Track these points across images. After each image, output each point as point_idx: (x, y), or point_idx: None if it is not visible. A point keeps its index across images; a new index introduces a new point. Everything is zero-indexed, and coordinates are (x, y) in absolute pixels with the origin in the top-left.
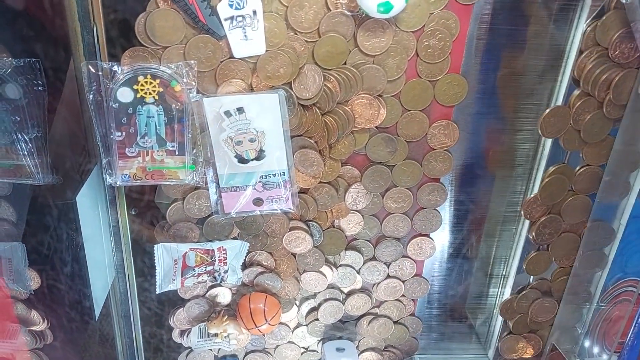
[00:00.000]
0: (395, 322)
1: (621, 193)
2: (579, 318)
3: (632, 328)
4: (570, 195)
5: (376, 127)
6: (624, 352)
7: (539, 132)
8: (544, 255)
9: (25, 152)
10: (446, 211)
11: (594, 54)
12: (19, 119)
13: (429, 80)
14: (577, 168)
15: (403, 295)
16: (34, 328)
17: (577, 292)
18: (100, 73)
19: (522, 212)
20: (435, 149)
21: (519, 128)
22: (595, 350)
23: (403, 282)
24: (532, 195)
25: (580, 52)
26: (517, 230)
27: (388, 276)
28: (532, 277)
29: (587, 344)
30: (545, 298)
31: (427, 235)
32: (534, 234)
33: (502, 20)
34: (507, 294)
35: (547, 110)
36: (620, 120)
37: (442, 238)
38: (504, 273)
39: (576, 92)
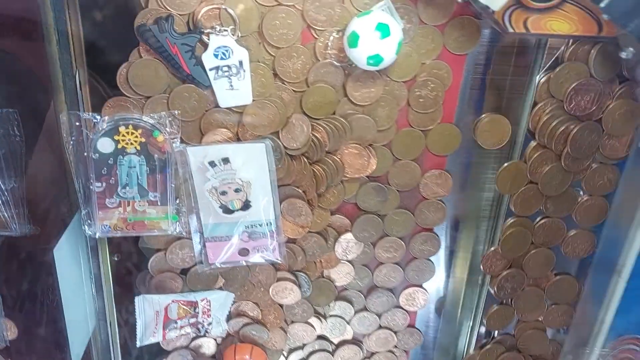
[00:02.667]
0: None
1: (622, 248)
2: None
3: None
4: (532, 249)
5: (367, 176)
6: None
7: (497, 188)
8: (506, 310)
9: (2, 202)
10: (440, 261)
11: (548, 106)
12: None
13: (421, 130)
14: (537, 220)
15: (395, 347)
16: None
17: (577, 346)
18: (79, 123)
19: (482, 266)
20: (428, 199)
21: (485, 178)
22: None
23: (395, 333)
24: (492, 249)
25: (535, 104)
26: (483, 282)
27: (380, 327)
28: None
29: None
30: (510, 353)
31: (420, 286)
32: (495, 288)
33: (495, 70)
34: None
35: (504, 166)
36: (581, 173)
37: (435, 288)
38: (471, 324)
39: (532, 144)
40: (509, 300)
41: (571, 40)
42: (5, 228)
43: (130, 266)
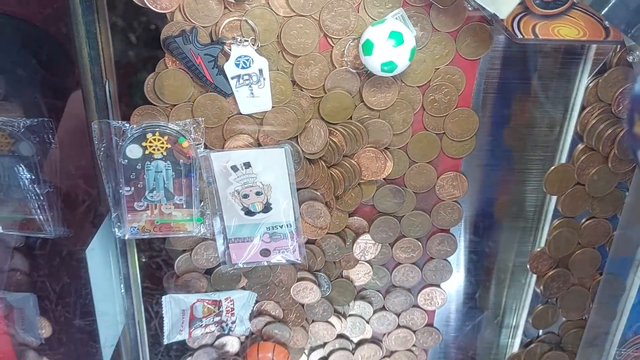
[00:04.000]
0: None
1: (635, 246)
2: None
3: None
4: (578, 249)
5: (384, 179)
6: None
7: (544, 189)
8: (551, 309)
9: (37, 206)
10: (458, 261)
11: (596, 110)
12: (31, 174)
13: (436, 133)
14: (583, 220)
15: (414, 346)
16: None
17: (593, 344)
18: (110, 131)
19: (529, 266)
20: (444, 200)
21: (527, 180)
22: None
23: (414, 332)
24: (538, 249)
25: (583, 107)
26: (526, 281)
27: (398, 326)
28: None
29: None
30: (554, 351)
31: (438, 286)
32: (542, 287)
33: (507, 75)
34: (516, 345)
35: (553, 168)
36: (627, 174)
37: (453, 288)
38: (513, 324)
39: (580, 147)
40: (554, 299)
41: (619, 46)
42: (40, 230)
43: (158, 266)
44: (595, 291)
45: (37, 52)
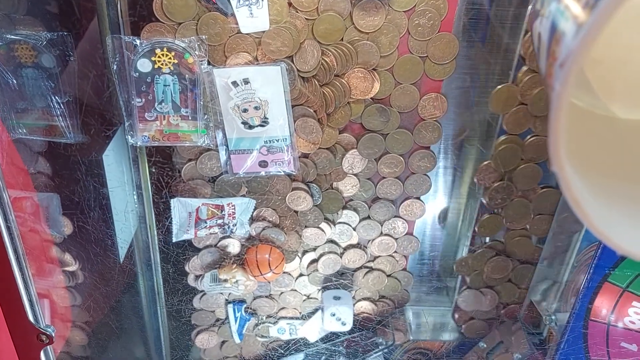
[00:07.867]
0: (388, 276)
1: None
2: (554, 278)
3: (581, 289)
4: (521, 164)
5: (371, 98)
6: (571, 313)
7: (490, 108)
8: (496, 219)
9: (59, 114)
10: (436, 177)
11: None
12: (53, 85)
13: (420, 56)
14: (527, 137)
15: (395, 252)
16: (67, 269)
17: (554, 254)
18: (122, 46)
19: (476, 179)
20: (425, 120)
21: (487, 101)
22: (567, 309)
23: (395, 239)
24: (485, 163)
25: (525, 32)
26: (478, 194)
27: (382, 234)
28: (487, 238)
29: (561, 303)
30: (498, 257)
31: (418, 198)
32: (487, 198)
33: (486, 2)
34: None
35: (497, 88)
36: None
37: (431, 201)
38: (468, 234)
39: (523, 69)
40: (499, 209)
41: None
42: (62, 136)
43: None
44: (537, 203)
45: None
